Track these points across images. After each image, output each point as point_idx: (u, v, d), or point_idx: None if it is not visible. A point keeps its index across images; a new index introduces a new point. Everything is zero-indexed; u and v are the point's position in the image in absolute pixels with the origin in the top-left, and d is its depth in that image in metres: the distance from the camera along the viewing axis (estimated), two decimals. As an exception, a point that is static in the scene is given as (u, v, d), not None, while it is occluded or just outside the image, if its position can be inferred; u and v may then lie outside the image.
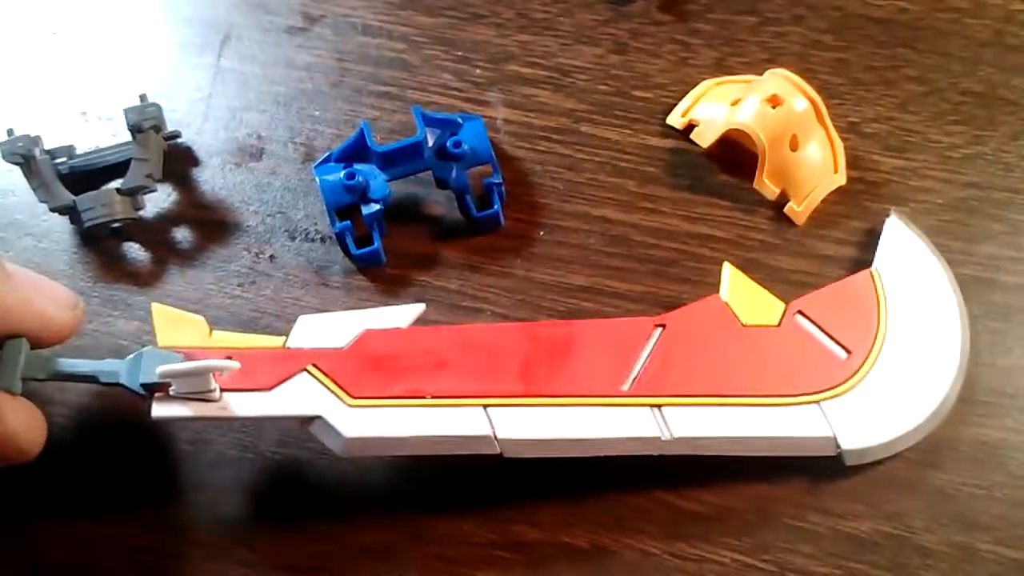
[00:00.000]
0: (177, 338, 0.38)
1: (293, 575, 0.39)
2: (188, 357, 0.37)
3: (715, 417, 0.38)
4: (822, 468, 0.40)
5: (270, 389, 0.37)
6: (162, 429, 0.41)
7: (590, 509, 0.40)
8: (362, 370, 0.38)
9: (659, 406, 0.38)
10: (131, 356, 0.37)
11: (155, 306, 0.38)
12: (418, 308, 0.40)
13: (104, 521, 0.39)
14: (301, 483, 0.40)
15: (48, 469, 0.39)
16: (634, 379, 0.39)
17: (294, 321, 0.39)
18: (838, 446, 0.39)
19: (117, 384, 0.37)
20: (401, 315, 0.39)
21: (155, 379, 0.36)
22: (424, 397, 0.37)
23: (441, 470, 0.40)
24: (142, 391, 0.36)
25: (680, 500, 0.40)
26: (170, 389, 0.36)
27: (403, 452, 0.38)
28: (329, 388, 0.37)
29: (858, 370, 0.40)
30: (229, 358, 0.37)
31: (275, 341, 0.38)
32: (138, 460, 0.41)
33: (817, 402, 0.39)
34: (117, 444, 0.41)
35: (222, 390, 0.37)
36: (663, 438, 0.38)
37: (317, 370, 0.37)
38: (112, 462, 0.41)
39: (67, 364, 0.37)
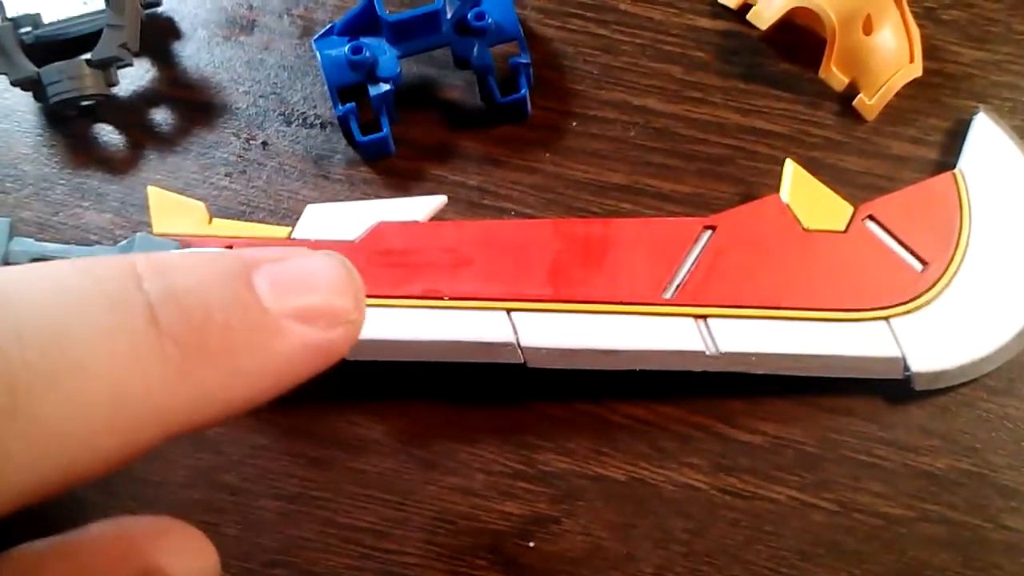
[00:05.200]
0: (174, 225, 0.36)
1: (287, 504, 0.35)
2: (184, 245, 0.36)
3: (767, 331, 0.35)
4: (893, 396, 0.36)
5: None
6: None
7: (627, 436, 0.36)
8: (374, 266, 0.35)
9: (704, 317, 0.35)
10: (123, 242, 0.36)
11: (152, 189, 0.37)
12: (439, 200, 0.37)
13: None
14: (302, 403, 0.36)
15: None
16: (678, 286, 0.36)
17: (289, 216, 0.37)
18: (907, 368, 0.35)
19: None
20: (418, 207, 0.36)
21: None
22: (441, 298, 0.35)
23: (457, 390, 0.36)
24: None
25: (730, 429, 0.36)
26: None
27: (416, 358, 0.35)
28: None
29: (935, 284, 0.36)
30: (229, 247, 0.35)
31: (280, 231, 0.36)
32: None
33: (886, 318, 0.36)
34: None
35: None
36: (708, 353, 0.35)
37: None
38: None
39: (55, 249, 0.35)
